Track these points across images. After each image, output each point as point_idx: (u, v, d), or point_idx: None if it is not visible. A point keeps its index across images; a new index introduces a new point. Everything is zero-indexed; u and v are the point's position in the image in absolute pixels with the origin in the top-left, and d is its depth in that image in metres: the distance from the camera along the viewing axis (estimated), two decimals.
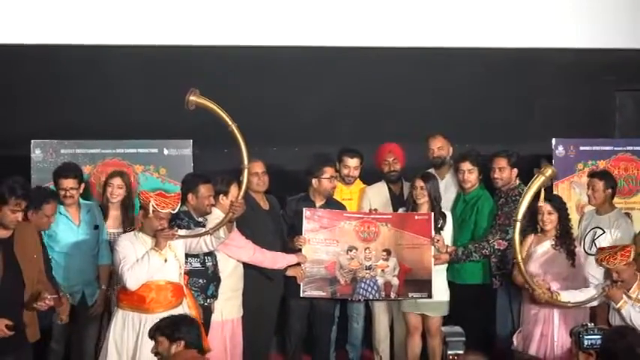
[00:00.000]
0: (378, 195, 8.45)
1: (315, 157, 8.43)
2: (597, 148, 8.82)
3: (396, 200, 8.42)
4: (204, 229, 7.24)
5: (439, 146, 8.51)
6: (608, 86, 9.64)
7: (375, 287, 8.00)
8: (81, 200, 7.93)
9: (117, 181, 8.01)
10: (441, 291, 8.02)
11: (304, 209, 7.99)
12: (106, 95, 9.18)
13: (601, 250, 7.19)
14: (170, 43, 9.23)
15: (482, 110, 9.38)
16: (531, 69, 9.55)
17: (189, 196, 7.37)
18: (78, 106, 9.10)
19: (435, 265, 7.93)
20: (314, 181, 8.13)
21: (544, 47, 9.55)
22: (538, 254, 7.57)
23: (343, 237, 8.02)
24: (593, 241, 7.88)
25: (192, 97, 7.08)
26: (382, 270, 8.00)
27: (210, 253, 7.42)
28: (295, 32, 9.33)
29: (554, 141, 8.78)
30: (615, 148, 8.87)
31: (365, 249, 8.02)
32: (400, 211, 8.16)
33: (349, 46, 9.25)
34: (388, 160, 8.45)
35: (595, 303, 7.20)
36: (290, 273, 7.90)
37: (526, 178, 7.66)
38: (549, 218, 7.52)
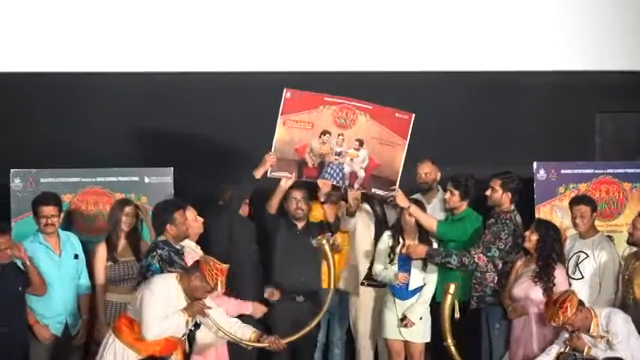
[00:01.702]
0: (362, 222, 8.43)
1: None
2: (578, 171, 8.83)
3: (378, 223, 8.44)
4: (228, 328, 7.01)
5: (426, 171, 8.52)
6: (589, 108, 9.63)
7: (341, 174, 8.04)
8: (59, 230, 7.88)
9: (129, 209, 7.95)
10: (423, 317, 8.04)
11: (284, 89, 7.92)
12: (85, 123, 9.13)
13: (546, 306, 7.27)
14: (149, 71, 9.19)
15: (463, 133, 9.37)
16: (511, 91, 9.55)
17: (168, 227, 7.28)
18: (57, 134, 9.05)
19: (412, 258, 7.98)
20: (285, 205, 8.15)
21: (524, 70, 9.55)
22: (522, 278, 7.61)
23: (319, 121, 7.98)
24: (576, 265, 7.90)
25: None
26: (351, 159, 8.02)
27: None
28: (282, 57, 9.32)
29: (535, 164, 8.79)
30: (596, 171, 8.87)
31: (338, 135, 8.01)
32: (386, 234, 8.19)
33: (335, 71, 9.23)
34: None
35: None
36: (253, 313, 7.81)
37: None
38: (530, 237, 7.61)
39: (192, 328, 6.99)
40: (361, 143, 8.02)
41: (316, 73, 9.14)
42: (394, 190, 8.01)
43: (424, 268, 8.04)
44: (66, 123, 9.11)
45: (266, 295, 7.90)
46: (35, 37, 9.14)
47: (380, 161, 8.02)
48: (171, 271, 6.94)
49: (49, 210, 7.76)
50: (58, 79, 9.12)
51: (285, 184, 8.01)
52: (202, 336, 7.29)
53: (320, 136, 8.00)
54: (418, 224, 8.05)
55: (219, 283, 6.71)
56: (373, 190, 8.06)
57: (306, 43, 9.37)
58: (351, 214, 8.29)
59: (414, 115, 8.00)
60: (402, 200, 8.03)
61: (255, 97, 9.08)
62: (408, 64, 9.39)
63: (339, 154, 8.02)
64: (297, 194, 8.11)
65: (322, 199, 8.13)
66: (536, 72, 9.57)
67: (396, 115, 8.00)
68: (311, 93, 8.02)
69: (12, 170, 8.39)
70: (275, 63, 9.26)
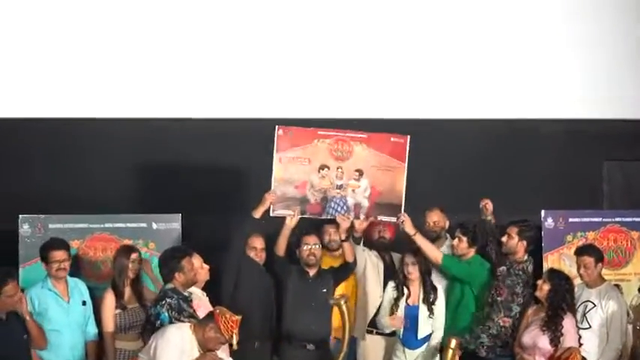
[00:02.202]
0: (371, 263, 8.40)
1: (299, 227, 8.37)
2: (586, 219, 8.81)
3: (387, 270, 8.40)
4: None
5: (435, 220, 8.52)
6: (597, 156, 9.65)
7: (345, 207, 8.05)
8: (67, 276, 7.87)
9: (135, 256, 7.94)
10: None
11: (276, 127, 7.94)
12: (92, 169, 9.17)
13: None
14: (157, 116, 9.25)
15: (470, 181, 9.37)
16: (519, 140, 9.60)
17: (177, 275, 7.30)
18: (63, 181, 9.08)
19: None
20: (297, 251, 8.14)
21: (532, 118, 9.59)
22: (532, 326, 7.58)
23: (316, 155, 7.99)
24: (584, 314, 7.83)
25: None
26: (353, 190, 8.04)
27: None
28: (283, 104, 9.35)
29: (543, 212, 8.77)
30: (604, 220, 8.86)
31: (337, 168, 8.02)
32: (390, 285, 8.17)
33: (338, 118, 9.24)
34: (378, 227, 8.43)
35: None
36: None
37: None
38: (542, 287, 7.57)
39: None
40: (361, 173, 8.05)
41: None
42: (401, 216, 8.02)
43: (430, 315, 8.02)
44: (71, 169, 9.15)
45: None
46: (38, 83, 9.21)
47: (382, 188, 8.06)
48: (180, 320, 6.95)
49: (60, 255, 7.75)
50: (67, 125, 9.17)
51: (290, 222, 8.02)
52: None
53: (319, 171, 8.02)
54: (422, 273, 8.03)
55: (234, 336, 6.70)
56: (379, 217, 8.09)
57: (321, 90, 9.47)
58: (357, 240, 8.28)
59: (409, 137, 8.04)
60: (409, 227, 8.03)
61: (258, 141, 9.08)
62: (413, 111, 9.43)
63: (340, 187, 8.04)
64: (310, 240, 8.07)
65: (343, 237, 8.10)
66: (544, 120, 9.63)
67: (392, 139, 8.04)
68: (303, 128, 8.05)
69: (20, 216, 8.36)
70: (278, 109, 9.29)
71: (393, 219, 8.07)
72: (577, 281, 8.13)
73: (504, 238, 8.02)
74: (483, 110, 9.57)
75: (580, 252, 7.98)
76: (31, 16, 9.20)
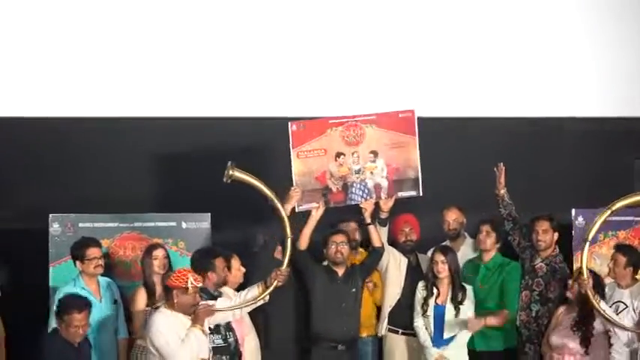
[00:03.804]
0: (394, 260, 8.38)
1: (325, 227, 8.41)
2: (617, 218, 8.62)
3: (413, 270, 8.37)
4: (241, 301, 7.26)
5: (454, 218, 8.52)
6: (628, 154, 9.58)
7: (366, 190, 8.12)
8: (98, 276, 7.92)
9: (158, 252, 7.97)
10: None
11: (289, 123, 8.04)
12: (123, 168, 9.19)
13: None
14: (187, 115, 9.28)
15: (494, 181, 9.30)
16: (550, 138, 9.54)
17: (209, 274, 7.35)
18: (96, 179, 9.12)
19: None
20: (324, 250, 8.14)
21: (562, 116, 9.55)
22: (562, 326, 7.54)
23: (330, 144, 8.06)
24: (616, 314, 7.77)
25: (231, 172, 7.36)
26: (371, 172, 8.10)
27: (231, 329, 7.38)
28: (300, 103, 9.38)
29: (573, 211, 8.71)
30: (636, 219, 8.76)
31: (352, 153, 8.09)
32: (420, 285, 8.15)
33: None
34: (404, 230, 8.42)
35: None
36: None
37: None
38: (572, 286, 7.59)
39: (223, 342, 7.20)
40: (375, 154, 8.12)
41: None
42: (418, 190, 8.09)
43: (457, 315, 8.00)
44: (100, 168, 9.18)
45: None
46: (67, 83, 9.25)
47: (398, 164, 8.13)
48: None
49: (97, 252, 7.83)
50: (97, 124, 9.21)
51: (316, 213, 8.05)
52: None
53: (335, 159, 8.08)
54: (452, 272, 8.01)
55: (190, 279, 6.74)
56: (400, 194, 8.13)
57: (336, 89, 9.46)
58: (383, 222, 8.27)
59: (415, 109, 8.11)
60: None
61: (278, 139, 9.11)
62: (441, 109, 9.38)
63: (358, 171, 8.09)
64: (337, 238, 8.07)
65: (368, 221, 8.12)
66: (575, 118, 9.57)
67: (400, 115, 8.11)
68: (315, 120, 8.15)
69: (51, 215, 8.41)
70: (292, 109, 9.28)
71: (413, 193, 8.13)
72: (609, 280, 8.08)
73: (540, 235, 8.06)
74: (514, 109, 9.53)
75: (617, 248, 7.96)
76: (57, 23, 9.27)
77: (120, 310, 7.97)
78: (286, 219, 7.53)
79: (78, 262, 7.84)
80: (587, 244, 7.48)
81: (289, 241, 7.49)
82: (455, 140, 9.38)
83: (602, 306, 7.47)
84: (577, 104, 9.57)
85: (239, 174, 7.43)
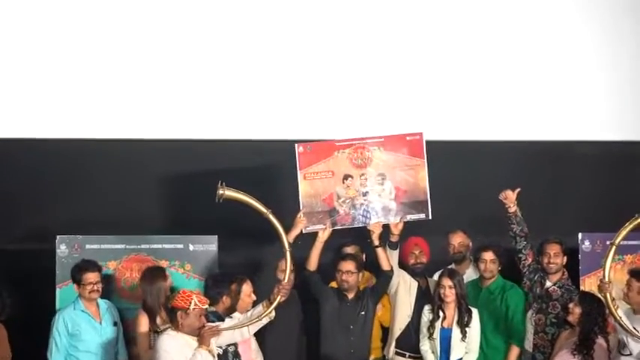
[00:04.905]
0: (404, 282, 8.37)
1: (334, 252, 8.46)
2: (625, 242, 8.54)
3: (421, 294, 8.36)
4: (246, 319, 7.29)
5: (459, 242, 8.57)
6: (634, 178, 9.56)
7: (374, 213, 8.12)
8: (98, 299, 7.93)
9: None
10: None
11: (296, 145, 8.07)
12: (131, 190, 9.18)
13: None
14: (194, 138, 9.28)
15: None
16: (557, 162, 9.55)
17: (224, 298, 7.39)
18: (103, 201, 9.11)
19: None
20: (337, 275, 8.14)
21: (570, 140, 9.57)
22: (563, 350, 7.54)
23: (338, 167, 8.09)
24: (626, 340, 7.67)
25: (221, 191, 7.38)
26: (379, 195, 8.10)
27: (238, 355, 7.41)
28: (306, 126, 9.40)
29: (580, 235, 8.74)
30: None
31: (360, 175, 8.12)
32: (426, 308, 8.13)
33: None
34: (414, 253, 8.43)
35: None
36: None
37: None
38: (573, 310, 7.56)
39: None
40: (383, 176, 8.16)
41: None
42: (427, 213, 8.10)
43: (463, 338, 7.98)
44: (106, 190, 9.17)
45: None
46: (75, 105, 9.25)
47: (406, 187, 8.17)
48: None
49: (93, 277, 7.82)
50: (104, 145, 9.21)
51: (322, 235, 8.06)
52: None
53: (343, 182, 8.12)
54: (458, 296, 8.00)
55: (193, 300, 6.80)
56: (408, 217, 8.13)
57: (344, 111, 9.48)
58: (394, 245, 8.25)
59: (423, 132, 8.16)
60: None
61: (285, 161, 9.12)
62: (448, 133, 9.40)
63: (365, 194, 8.12)
64: (344, 266, 8.09)
65: (376, 243, 8.11)
66: (582, 142, 9.58)
67: (407, 138, 8.14)
68: (321, 142, 8.20)
69: (58, 236, 8.42)
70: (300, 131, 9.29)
71: (422, 216, 8.15)
72: (624, 304, 7.97)
73: (552, 259, 8.09)
74: (515, 132, 9.56)
75: (632, 273, 7.91)
76: (70, 46, 9.29)
77: (120, 332, 7.98)
78: (283, 234, 7.54)
79: (75, 286, 7.86)
80: (614, 247, 7.48)
81: (288, 254, 7.50)
82: (461, 163, 9.36)
83: (620, 313, 7.47)
84: (585, 128, 9.59)
85: (230, 192, 7.45)
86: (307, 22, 9.52)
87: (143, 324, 7.74)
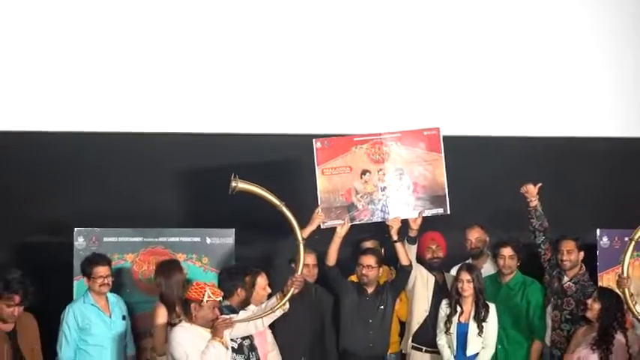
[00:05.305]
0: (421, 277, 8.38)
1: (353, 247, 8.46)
2: None
3: (438, 288, 8.36)
4: (260, 311, 7.29)
5: (477, 237, 8.56)
6: None
7: (393, 207, 8.10)
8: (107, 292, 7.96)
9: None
10: None
11: (314, 140, 8.07)
12: (148, 183, 9.22)
13: None
14: (212, 132, 9.32)
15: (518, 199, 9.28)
16: (575, 158, 9.51)
17: (239, 290, 7.41)
18: (121, 194, 9.15)
19: None
20: (357, 269, 8.16)
21: (587, 136, 9.54)
22: (582, 346, 7.52)
23: (356, 162, 8.09)
24: None
25: (234, 184, 7.40)
26: (397, 190, 8.09)
27: (254, 348, 7.38)
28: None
29: (598, 231, 8.72)
30: None
31: (378, 171, 8.11)
32: (443, 303, 8.14)
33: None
34: (431, 247, 8.44)
35: None
36: None
37: None
38: (592, 306, 7.54)
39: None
40: (401, 171, 8.14)
41: None
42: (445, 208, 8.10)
43: (480, 333, 7.97)
44: (124, 183, 9.21)
45: None
46: (102, 97, 9.30)
47: (424, 182, 8.16)
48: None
49: (104, 270, 7.84)
50: (121, 139, 9.25)
51: (341, 230, 8.06)
52: None
53: (361, 177, 8.11)
54: (476, 290, 7.99)
55: (207, 292, 6.81)
56: (427, 212, 8.12)
57: (361, 105, 9.49)
58: (412, 240, 8.25)
59: (440, 127, 8.16)
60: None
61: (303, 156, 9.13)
62: (463, 128, 9.37)
63: (384, 189, 8.10)
64: (364, 260, 8.11)
65: (395, 238, 8.11)
66: (599, 138, 9.55)
67: (425, 133, 8.14)
68: (339, 137, 8.20)
69: (75, 229, 8.45)
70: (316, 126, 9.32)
71: (440, 211, 8.14)
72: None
73: (565, 256, 8.06)
74: (532, 128, 9.55)
75: None
76: (82, 41, 9.35)
77: (128, 325, 8.01)
78: (296, 226, 7.55)
79: (85, 279, 7.89)
80: (633, 243, 7.43)
81: (301, 247, 7.51)
82: (479, 159, 9.35)
83: (638, 309, 7.45)
84: (602, 124, 9.57)
85: (243, 184, 7.46)
86: (328, 17, 9.53)
87: (161, 316, 7.74)
